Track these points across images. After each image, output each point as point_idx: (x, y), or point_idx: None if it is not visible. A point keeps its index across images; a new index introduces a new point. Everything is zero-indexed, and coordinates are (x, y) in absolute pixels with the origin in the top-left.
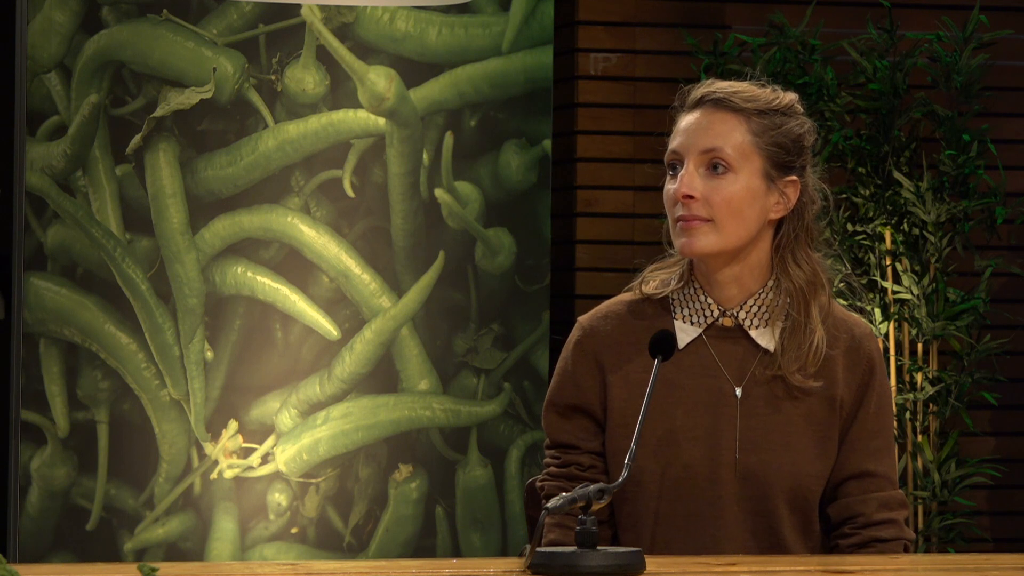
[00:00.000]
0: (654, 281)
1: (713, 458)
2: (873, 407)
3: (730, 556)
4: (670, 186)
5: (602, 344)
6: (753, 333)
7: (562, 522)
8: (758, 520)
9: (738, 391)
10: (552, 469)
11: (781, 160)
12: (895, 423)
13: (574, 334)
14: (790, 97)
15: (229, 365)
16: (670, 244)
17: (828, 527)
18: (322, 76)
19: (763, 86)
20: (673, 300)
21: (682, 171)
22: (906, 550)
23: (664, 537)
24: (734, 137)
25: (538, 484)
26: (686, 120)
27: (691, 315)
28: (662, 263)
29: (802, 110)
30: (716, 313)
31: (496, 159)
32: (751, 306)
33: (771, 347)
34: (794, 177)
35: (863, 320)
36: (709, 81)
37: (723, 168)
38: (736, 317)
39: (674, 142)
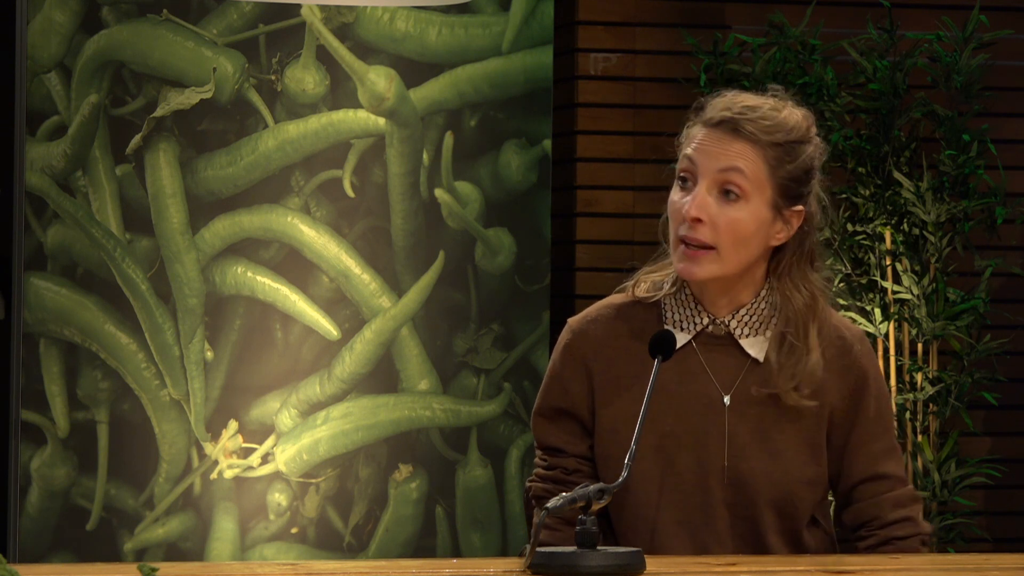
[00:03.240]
0: (646, 283)
1: (702, 464)
2: (872, 412)
3: (730, 556)
4: (678, 197)
5: (590, 348)
6: (743, 342)
7: (550, 523)
8: (746, 527)
9: (726, 399)
10: (539, 471)
11: (791, 191)
12: (895, 423)
13: (563, 337)
14: (807, 121)
15: (229, 365)
16: (666, 239)
17: (844, 533)
18: (322, 76)
19: (781, 104)
20: (664, 305)
21: (695, 190)
22: (924, 543)
23: (661, 543)
24: (751, 166)
25: (527, 485)
26: (703, 135)
27: (681, 321)
28: (655, 265)
29: (815, 131)
30: (706, 321)
31: (496, 159)
32: (742, 315)
33: (760, 356)
34: (800, 207)
35: (854, 325)
36: (732, 94)
37: (735, 195)
38: (727, 326)
39: (690, 151)
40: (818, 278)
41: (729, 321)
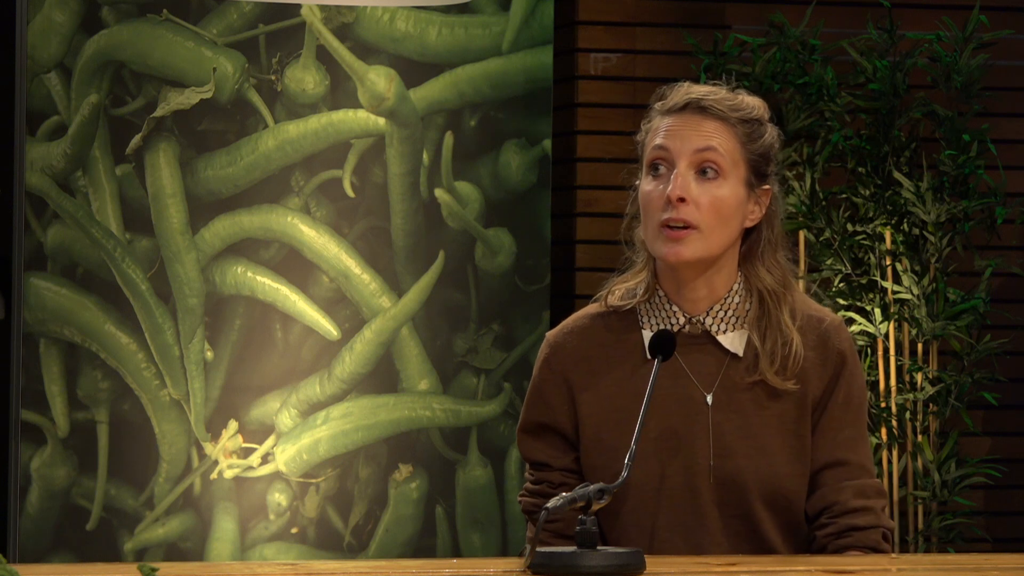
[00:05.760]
0: (619, 291)
1: (689, 466)
2: (841, 397)
3: (730, 556)
4: (651, 187)
5: (569, 361)
6: (721, 338)
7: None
8: (741, 524)
9: (709, 398)
10: (528, 486)
11: (761, 169)
12: (895, 422)
13: (542, 352)
14: (763, 105)
15: (229, 365)
16: (628, 243)
17: (808, 524)
18: (322, 76)
19: (734, 91)
20: (640, 311)
21: (674, 172)
22: (885, 539)
23: (656, 550)
24: (725, 143)
25: (518, 499)
26: (670, 122)
27: (658, 324)
28: (626, 275)
29: (769, 117)
30: (683, 320)
31: (496, 159)
32: (717, 311)
33: (740, 351)
34: (768, 186)
35: (831, 313)
36: (686, 85)
37: (713, 172)
38: (703, 324)
39: (661, 139)
40: (786, 261)
41: (705, 318)
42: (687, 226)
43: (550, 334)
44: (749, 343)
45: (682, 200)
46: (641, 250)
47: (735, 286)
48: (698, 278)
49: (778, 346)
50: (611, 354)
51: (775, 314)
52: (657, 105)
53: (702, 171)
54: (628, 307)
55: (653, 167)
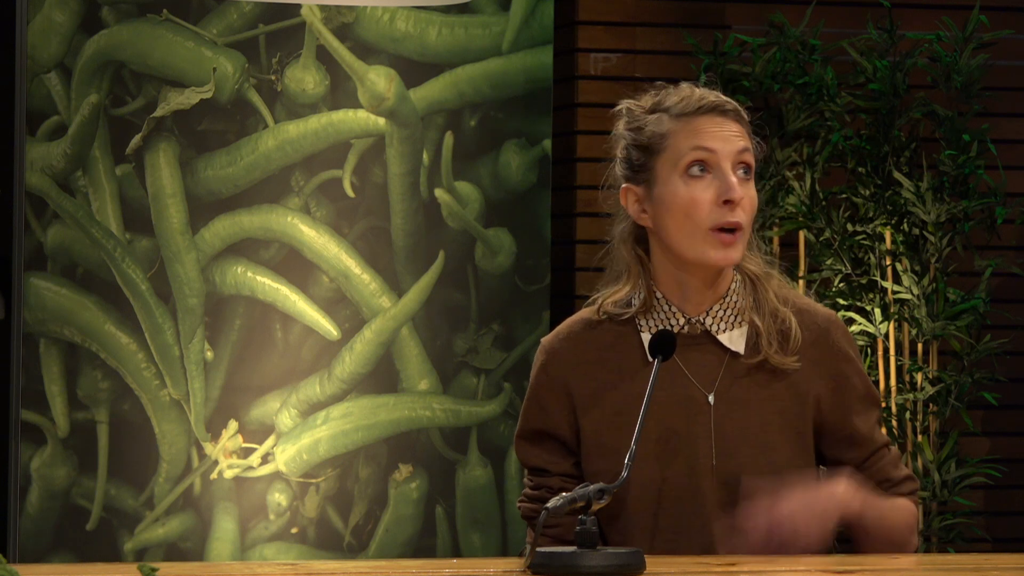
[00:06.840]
0: (613, 299)
1: (691, 467)
2: (861, 390)
3: (730, 556)
4: (697, 189)
5: (566, 366)
6: (721, 337)
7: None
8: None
9: (710, 397)
10: (527, 491)
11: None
12: (895, 422)
13: (538, 358)
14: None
15: (229, 365)
16: (610, 243)
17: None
18: (322, 76)
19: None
20: (637, 315)
21: (721, 174)
22: (914, 492)
23: (659, 550)
24: (750, 143)
25: (517, 505)
26: (701, 122)
27: (657, 326)
28: (616, 287)
29: None
30: (682, 321)
31: (496, 159)
32: (717, 311)
33: (740, 349)
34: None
35: (827, 309)
36: (687, 87)
37: (749, 173)
38: (703, 323)
39: (702, 140)
40: (757, 249)
41: (705, 318)
42: (738, 228)
43: (545, 340)
44: (748, 339)
45: (737, 202)
46: (633, 256)
47: (734, 284)
48: (708, 280)
49: (774, 325)
50: (609, 357)
51: (765, 296)
52: (673, 106)
53: (740, 171)
54: (625, 316)
55: (693, 168)
